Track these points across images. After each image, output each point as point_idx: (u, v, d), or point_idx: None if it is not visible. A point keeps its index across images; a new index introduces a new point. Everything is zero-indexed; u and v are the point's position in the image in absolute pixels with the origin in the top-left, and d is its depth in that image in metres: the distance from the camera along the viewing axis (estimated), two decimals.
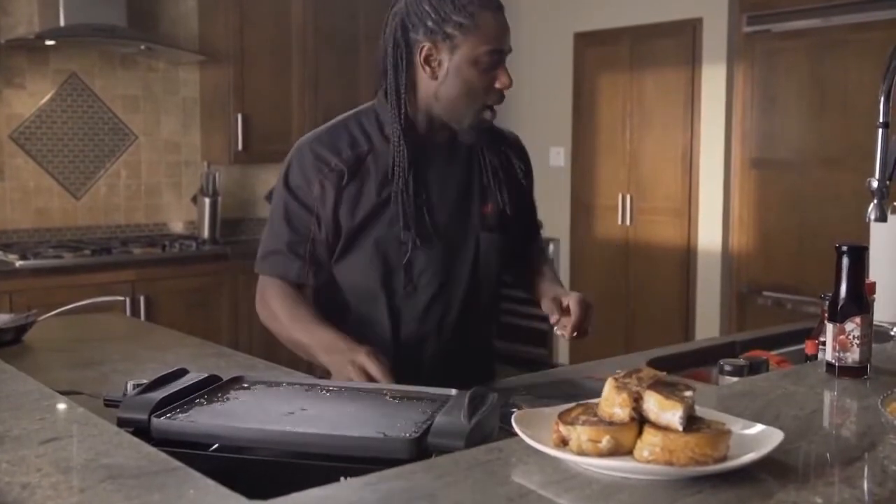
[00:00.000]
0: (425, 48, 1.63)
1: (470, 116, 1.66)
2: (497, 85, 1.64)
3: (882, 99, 1.87)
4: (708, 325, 4.88)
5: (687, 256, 4.94)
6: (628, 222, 5.18)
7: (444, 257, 1.72)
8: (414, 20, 1.64)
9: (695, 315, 4.93)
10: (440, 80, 1.64)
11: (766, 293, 4.64)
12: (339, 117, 1.78)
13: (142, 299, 4.01)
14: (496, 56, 1.63)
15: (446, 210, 1.72)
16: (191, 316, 4.16)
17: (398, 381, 1.55)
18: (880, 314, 1.78)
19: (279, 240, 1.73)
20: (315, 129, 1.78)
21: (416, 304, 1.72)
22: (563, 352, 5.57)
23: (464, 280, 1.74)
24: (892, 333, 1.91)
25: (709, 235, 4.87)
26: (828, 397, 1.33)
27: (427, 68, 1.64)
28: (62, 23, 4.00)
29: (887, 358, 1.53)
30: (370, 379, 1.51)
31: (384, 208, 1.68)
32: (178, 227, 4.74)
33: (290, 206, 1.71)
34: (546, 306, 1.73)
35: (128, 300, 3.93)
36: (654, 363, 2.03)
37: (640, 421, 1.01)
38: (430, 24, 1.61)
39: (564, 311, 1.68)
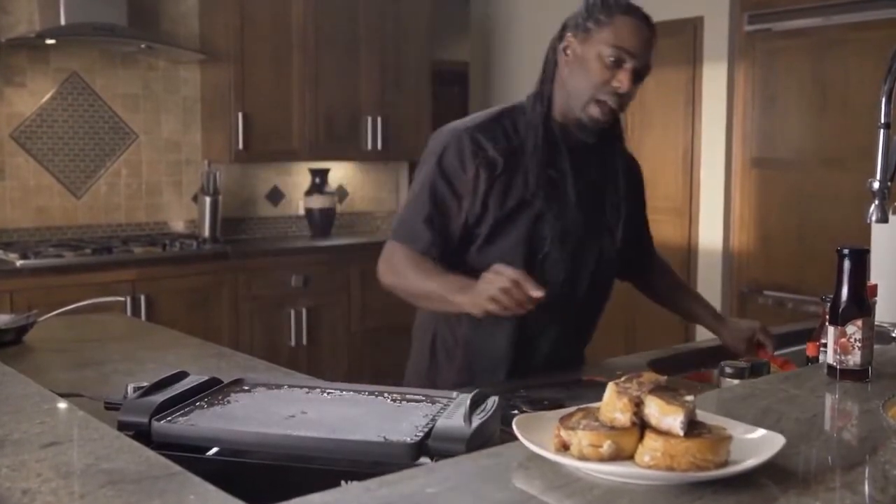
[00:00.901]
0: (568, 38, 1.82)
1: (582, 106, 1.78)
2: (614, 83, 1.75)
3: (883, 100, 1.86)
4: None
5: (687, 256, 4.94)
6: None
7: (574, 255, 1.86)
8: (570, 21, 1.84)
9: None
10: (569, 66, 1.81)
11: (766, 293, 4.64)
12: (491, 110, 1.90)
13: (142, 298, 4.01)
14: (621, 55, 1.74)
15: (582, 212, 1.85)
16: (191, 315, 4.16)
17: (516, 357, 1.86)
18: (882, 315, 1.79)
19: (418, 213, 1.82)
20: (466, 118, 1.90)
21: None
22: None
23: (586, 277, 1.90)
24: (894, 335, 1.92)
25: (709, 235, 4.87)
26: (829, 401, 1.32)
27: (564, 56, 1.82)
28: (63, 22, 4.00)
29: (888, 360, 1.53)
30: (512, 285, 1.58)
31: (532, 202, 1.80)
32: (178, 226, 4.74)
33: (438, 184, 1.82)
34: (738, 349, 2.09)
35: (128, 299, 3.93)
36: (655, 364, 2.03)
37: (642, 426, 1.01)
38: (579, 20, 1.81)
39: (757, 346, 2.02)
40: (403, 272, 1.82)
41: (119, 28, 4.12)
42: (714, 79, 4.77)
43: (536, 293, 1.58)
